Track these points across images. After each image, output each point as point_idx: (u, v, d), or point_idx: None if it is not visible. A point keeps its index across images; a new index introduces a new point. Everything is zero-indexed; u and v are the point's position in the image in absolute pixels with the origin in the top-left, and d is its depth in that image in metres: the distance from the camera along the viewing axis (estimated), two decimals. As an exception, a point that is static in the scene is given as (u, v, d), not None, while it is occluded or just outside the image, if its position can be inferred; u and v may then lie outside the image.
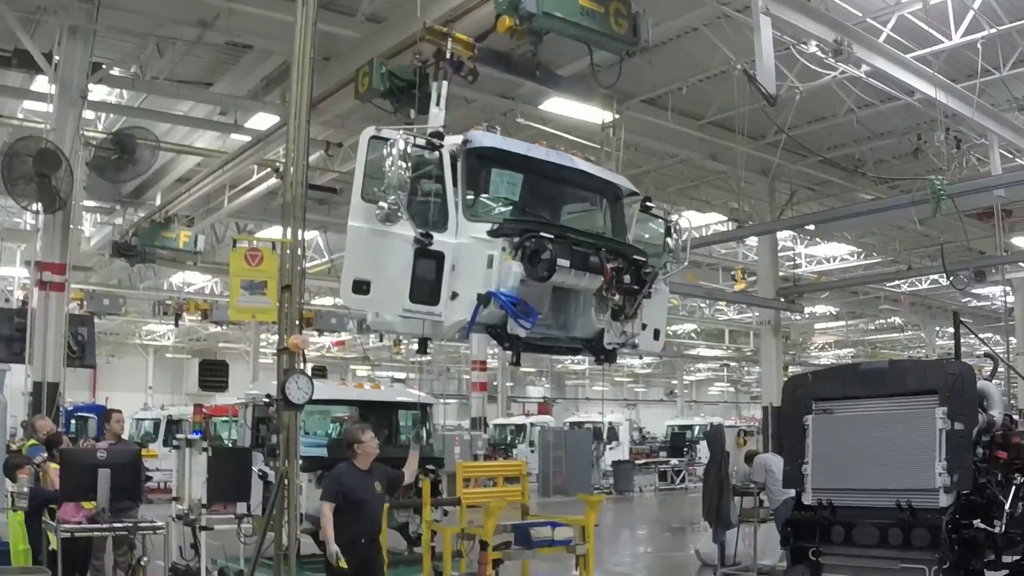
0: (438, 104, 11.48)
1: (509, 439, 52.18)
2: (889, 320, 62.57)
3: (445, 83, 11.66)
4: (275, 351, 13.66)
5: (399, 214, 9.82)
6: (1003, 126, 23.67)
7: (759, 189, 31.31)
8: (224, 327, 50.11)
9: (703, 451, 47.00)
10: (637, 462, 48.86)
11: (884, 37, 19.95)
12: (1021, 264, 39.95)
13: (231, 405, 28.13)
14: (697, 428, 58.13)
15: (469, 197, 10.86)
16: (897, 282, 45.44)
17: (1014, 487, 9.40)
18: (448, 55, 11.98)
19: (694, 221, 30.74)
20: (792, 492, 11.03)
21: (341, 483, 11.34)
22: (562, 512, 19.33)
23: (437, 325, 10.58)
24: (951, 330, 12.44)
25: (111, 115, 25.46)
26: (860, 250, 42.78)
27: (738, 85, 19.45)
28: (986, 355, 12.65)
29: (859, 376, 10.83)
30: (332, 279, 36.64)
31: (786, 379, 12.08)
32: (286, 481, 11.67)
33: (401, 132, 9.91)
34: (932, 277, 42.79)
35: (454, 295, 10.42)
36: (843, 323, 63.06)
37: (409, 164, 9.75)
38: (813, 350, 74.59)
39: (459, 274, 10.43)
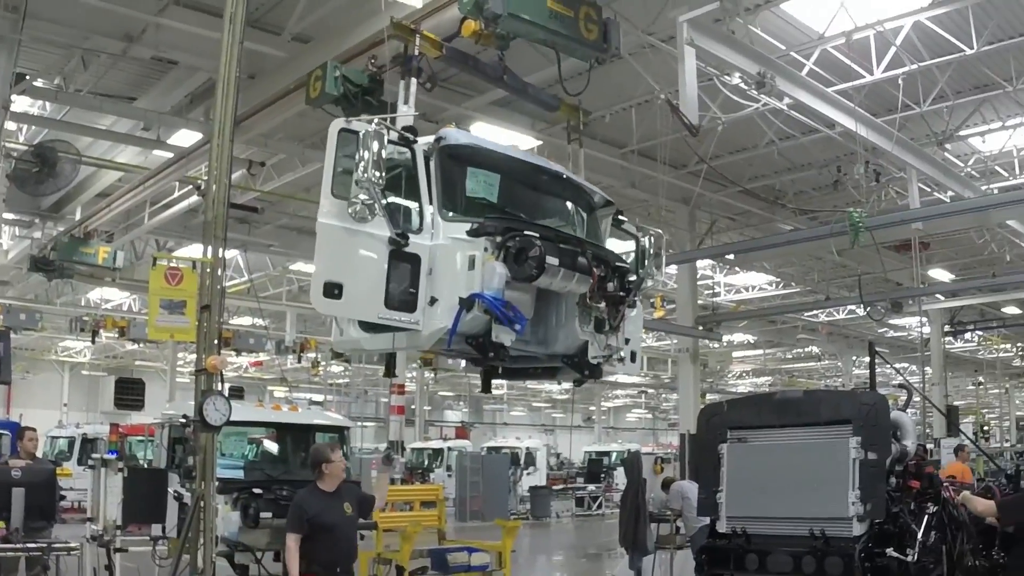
0: (406, 102, 11.02)
1: (426, 463, 52.13)
2: (807, 349, 63.23)
3: (414, 80, 11.22)
4: (192, 370, 13.42)
5: (374, 210, 9.30)
6: (922, 160, 24.05)
7: (680, 218, 31.54)
8: (141, 345, 49.54)
9: (620, 477, 47.28)
10: (554, 488, 48.91)
11: (807, 71, 20.20)
12: (938, 296, 40.63)
13: (147, 424, 27.89)
14: (615, 454, 58.46)
15: (445, 196, 10.23)
16: (815, 312, 45.93)
17: (927, 516, 9.52)
18: (416, 52, 11.59)
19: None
20: (707, 520, 11.05)
21: (305, 509, 10.38)
22: (479, 537, 19.40)
23: (413, 335, 9.92)
24: (868, 360, 12.59)
25: (33, 127, 25.13)
26: (779, 279, 43.23)
27: (661, 114, 19.59)
28: (900, 386, 12.86)
29: (774, 405, 10.90)
30: (251, 299, 36.51)
31: (702, 407, 12.08)
32: (202, 503, 11.48)
33: (375, 123, 9.34)
34: (850, 307, 43.26)
35: (433, 300, 9.80)
36: (761, 351, 63.66)
37: (383, 157, 9.20)
38: (731, 378, 75.14)
39: (437, 278, 9.85)
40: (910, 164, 23.89)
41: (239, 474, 18.35)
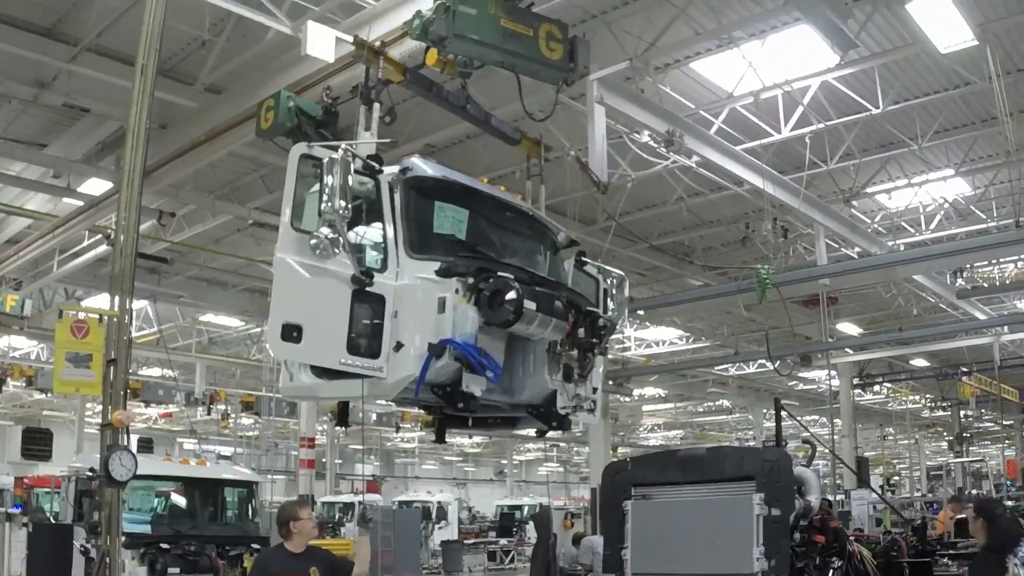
0: (368, 128, 10.19)
1: (338, 517, 51.66)
2: (717, 402, 63.60)
3: (377, 105, 10.37)
4: (99, 422, 13.17)
5: (338, 245, 8.45)
6: (829, 217, 24.46)
7: (589, 274, 31.64)
8: (49, 394, 48.92)
9: (532, 531, 47.19)
10: (466, 542, 48.67)
11: (715, 129, 20.46)
12: (847, 349, 41.14)
13: (54, 476, 27.49)
14: (526, 508, 58.25)
15: (411, 232, 9.44)
16: (725, 365, 46.25)
17: (832, 571, 9.59)
18: (379, 76, 10.83)
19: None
20: None
21: (266, 569, 9.59)
22: (391, 592, 19.25)
23: (376, 383, 9.02)
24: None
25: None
26: (689, 334, 43.49)
27: (570, 171, 19.76)
28: (804, 441, 12.92)
29: (678, 462, 10.96)
30: (160, 350, 36.15)
31: (607, 464, 12.04)
32: (108, 559, 11.30)
33: (342, 148, 8.58)
34: (760, 360, 43.63)
35: (398, 346, 8.95)
36: (672, 405, 63.88)
37: (349, 186, 8.45)
38: (642, 431, 75.34)
39: (403, 321, 9.02)
40: (817, 221, 24.31)
41: (146, 528, 18.14)
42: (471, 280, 9.11)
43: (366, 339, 8.91)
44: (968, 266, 30.38)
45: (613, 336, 11.83)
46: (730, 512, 9.62)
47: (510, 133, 13.37)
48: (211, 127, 18.58)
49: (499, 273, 9.27)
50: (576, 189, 20.97)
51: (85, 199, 23.29)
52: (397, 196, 9.39)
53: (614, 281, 11.93)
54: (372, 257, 9.15)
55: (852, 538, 10.68)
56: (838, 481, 41.24)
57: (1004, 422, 54.07)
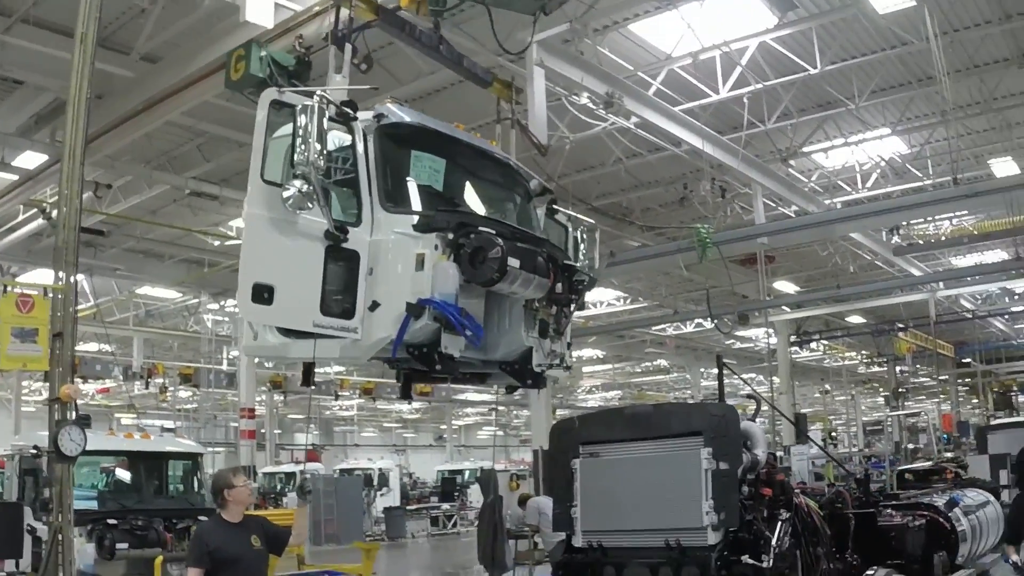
0: (340, 72, 9.77)
1: (279, 487, 51.51)
2: (655, 363, 63.94)
3: (348, 46, 9.94)
4: (45, 399, 12.97)
5: (312, 198, 7.86)
6: (766, 176, 24.69)
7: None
8: (-17, 373, 48.38)
9: (474, 495, 47.22)
10: (409, 508, 48.75)
11: (654, 90, 20.54)
12: (784, 308, 41.46)
13: (-3, 456, 27.26)
14: (467, 472, 58.39)
15: (386, 184, 8.87)
16: (663, 325, 46.48)
17: (780, 523, 9.64)
18: (349, 15, 10.38)
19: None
20: (564, 535, 11.01)
21: (206, 542, 9.06)
22: (336, 560, 19.31)
23: (351, 345, 8.56)
24: (716, 371, 12.70)
25: None
26: (627, 295, 43.61)
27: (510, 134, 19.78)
28: (749, 396, 13.02)
29: (625, 420, 10.94)
30: (97, 324, 35.85)
31: (554, 423, 12.03)
32: (60, 536, 11.20)
33: (316, 94, 8.02)
34: (697, 320, 43.87)
35: (374, 305, 8.45)
36: (610, 366, 64.19)
37: (325, 134, 7.92)
38: (581, 393, 75.57)
39: (379, 279, 8.51)
40: (755, 180, 24.55)
41: (93, 504, 18.00)
42: (451, 236, 8.62)
43: (340, 299, 8.44)
44: (904, 223, 30.73)
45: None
46: (679, 467, 9.63)
47: (482, 75, 13.32)
48: (148, 97, 18.41)
49: (480, 228, 8.81)
50: (516, 152, 20.99)
51: (20, 173, 23.06)
52: (371, 145, 8.83)
53: (584, 230, 11.19)
54: (345, 211, 8.59)
55: (798, 491, 10.76)
56: (777, 438, 41.64)
57: (940, 377, 54.68)
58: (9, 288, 12.23)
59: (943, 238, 34.92)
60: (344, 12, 10.53)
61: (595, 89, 18.38)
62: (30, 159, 22.81)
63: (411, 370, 9.76)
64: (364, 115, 8.90)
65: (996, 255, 37.98)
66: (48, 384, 11.97)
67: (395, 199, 8.85)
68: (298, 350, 9.06)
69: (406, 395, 10.39)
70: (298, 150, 7.74)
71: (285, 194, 7.81)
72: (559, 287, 9.50)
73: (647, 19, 19.33)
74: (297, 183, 7.77)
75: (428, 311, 8.30)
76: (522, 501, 20.23)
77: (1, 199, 24.13)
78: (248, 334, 9.34)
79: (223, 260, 33.43)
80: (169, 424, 59.83)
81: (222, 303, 40.93)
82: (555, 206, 11.15)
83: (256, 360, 37.73)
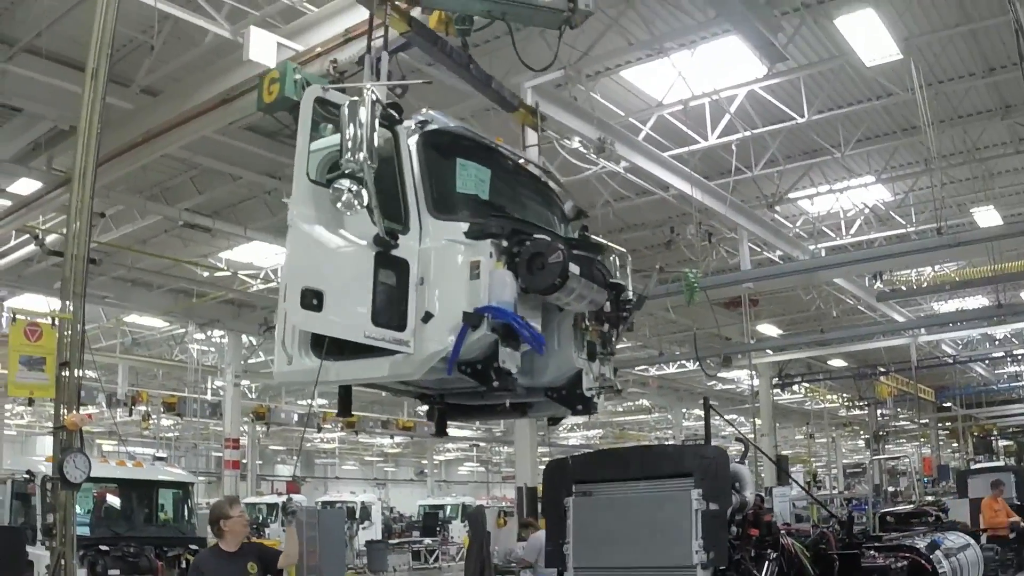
0: (378, 77, 8.94)
1: (261, 518, 51.41)
2: (637, 402, 63.96)
3: (385, 54, 9.20)
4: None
5: (361, 200, 7.40)
6: (752, 221, 25.00)
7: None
8: (-37, 399, 48.29)
9: (456, 530, 47.26)
10: (391, 541, 48.72)
11: (644, 135, 20.84)
12: (767, 350, 41.72)
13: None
14: (449, 507, 58.33)
15: (434, 190, 8.38)
16: (645, 366, 46.64)
17: (767, 563, 9.86)
18: (384, 26, 9.67)
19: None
20: (555, 571, 11.15)
21: (202, 572, 9.31)
22: (318, 592, 19.36)
23: (403, 361, 7.96)
24: (697, 412, 12.93)
25: None
26: (610, 335, 43.62)
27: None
28: (738, 439, 13.24)
29: (618, 460, 11.09)
30: (87, 350, 35.88)
31: (548, 462, 12.20)
32: (63, 562, 11.31)
33: (365, 89, 7.49)
34: (680, 361, 44.04)
35: (427, 316, 7.88)
36: (592, 405, 64.09)
37: (375, 129, 7.43)
38: (562, 431, 75.50)
39: (431, 288, 7.97)
40: (741, 225, 24.85)
41: (86, 531, 18.11)
42: (505, 243, 8.07)
43: (391, 309, 7.85)
44: (887, 270, 31.08)
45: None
46: (670, 507, 9.71)
47: (508, 98, 13.08)
48: (147, 129, 18.58)
49: (536, 235, 8.25)
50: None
51: (14, 199, 23.19)
52: (417, 150, 8.39)
53: (616, 258, 10.34)
54: (389, 218, 7.96)
55: (784, 532, 10.98)
56: (759, 480, 41.81)
57: (920, 421, 54.98)
58: (18, 316, 12.36)
59: (925, 284, 35.31)
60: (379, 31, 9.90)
61: (587, 134, 18.64)
62: (25, 185, 22.86)
63: (446, 405, 9.55)
64: (406, 122, 8.51)
65: (977, 301, 38.37)
66: (54, 412, 12.06)
67: (444, 206, 8.37)
68: (339, 372, 8.49)
69: (441, 432, 10.06)
70: (347, 148, 7.26)
71: (334, 194, 7.40)
72: (607, 306, 9.02)
73: (639, 66, 19.72)
74: (346, 182, 7.35)
75: (486, 320, 7.72)
76: (525, 525, 20.02)
77: (-4, 224, 24.24)
78: (281, 359, 8.45)
79: (211, 291, 33.64)
80: (148, 451, 59.84)
81: (208, 333, 41.00)
82: (586, 232, 10.16)
83: (242, 387, 37.96)
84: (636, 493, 10.32)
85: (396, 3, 10.42)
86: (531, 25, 11.05)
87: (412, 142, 8.36)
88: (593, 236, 10.18)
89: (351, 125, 7.24)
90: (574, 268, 7.87)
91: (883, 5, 17.14)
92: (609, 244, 10.61)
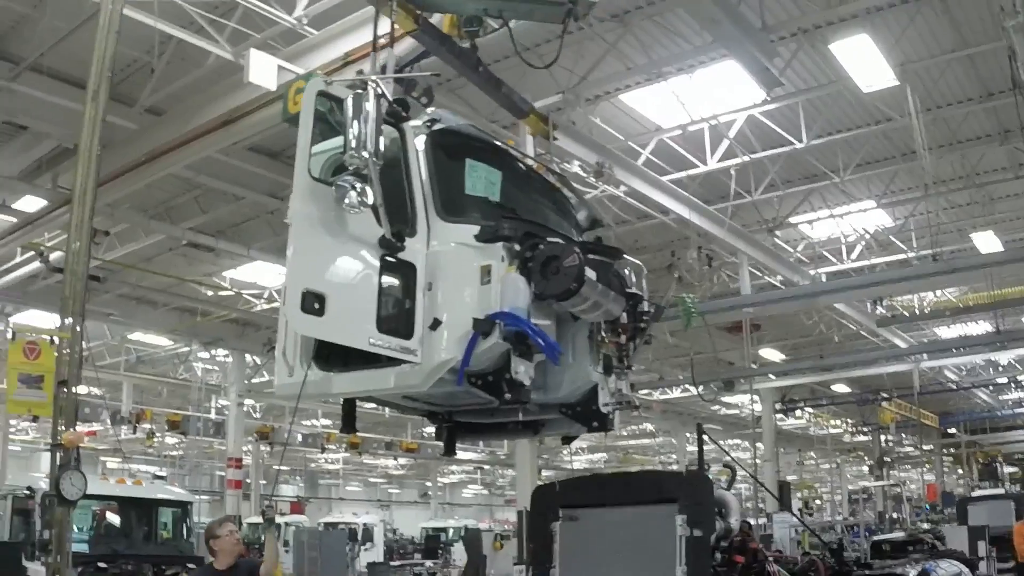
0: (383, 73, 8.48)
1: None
2: (641, 426, 63.87)
3: (391, 50, 8.87)
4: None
5: (366, 198, 6.93)
6: (753, 246, 25.05)
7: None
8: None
9: (458, 553, 47.20)
10: (392, 563, 48.60)
11: (643, 160, 20.92)
12: (769, 375, 41.69)
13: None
14: (451, 530, 58.20)
15: (443, 191, 7.94)
16: (648, 390, 46.62)
17: (752, 590, 9.91)
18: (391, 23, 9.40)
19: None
20: None
21: None
22: (318, 613, 19.37)
23: (408, 372, 7.48)
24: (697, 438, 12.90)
25: None
26: (613, 359, 43.61)
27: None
28: (725, 465, 13.25)
29: (604, 485, 11.19)
30: (88, 368, 35.95)
31: (536, 487, 12.21)
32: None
33: (370, 81, 7.05)
34: (683, 385, 44.05)
35: (435, 323, 7.39)
36: (596, 428, 63.96)
37: (381, 124, 7.00)
38: (566, 455, 75.42)
39: (440, 294, 7.50)
40: (741, 250, 24.90)
41: (84, 548, 18.16)
42: (518, 247, 7.61)
43: (397, 315, 7.43)
44: (887, 295, 31.11)
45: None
46: (654, 533, 9.71)
47: (519, 103, 12.82)
48: (150, 148, 18.69)
49: (550, 239, 7.85)
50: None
51: (19, 216, 23.33)
52: (424, 149, 7.96)
53: (632, 272, 9.20)
54: (395, 220, 7.44)
55: (771, 559, 10.99)
56: (760, 504, 41.77)
57: (924, 447, 54.89)
58: (18, 335, 12.42)
59: (927, 310, 35.30)
60: (398, 48, 9.74)
61: (586, 158, 18.72)
62: (30, 203, 23.05)
63: (455, 424, 9.13)
64: (413, 121, 8.04)
65: (981, 327, 38.32)
66: (51, 429, 12.11)
67: (453, 208, 7.92)
68: (343, 384, 8.03)
69: (450, 451, 9.65)
70: (351, 143, 6.82)
71: (337, 191, 6.99)
72: (624, 316, 8.41)
73: (638, 90, 19.78)
74: (349, 179, 6.91)
75: (498, 327, 7.23)
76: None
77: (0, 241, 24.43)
78: (282, 371, 7.93)
79: (215, 310, 33.71)
80: (151, 469, 59.82)
81: (213, 352, 41.09)
82: (600, 240, 9.64)
83: (245, 407, 37.95)
84: (621, 518, 10.36)
85: (403, 2, 10.11)
86: (532, 20, 10.52)
87: (420, 141, 7.95)
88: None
89: (356, 120, 6.84)
90: (590, 273, 7.48)
91: (878, 31, 17.21)
92: (625, 257, 9.40)
